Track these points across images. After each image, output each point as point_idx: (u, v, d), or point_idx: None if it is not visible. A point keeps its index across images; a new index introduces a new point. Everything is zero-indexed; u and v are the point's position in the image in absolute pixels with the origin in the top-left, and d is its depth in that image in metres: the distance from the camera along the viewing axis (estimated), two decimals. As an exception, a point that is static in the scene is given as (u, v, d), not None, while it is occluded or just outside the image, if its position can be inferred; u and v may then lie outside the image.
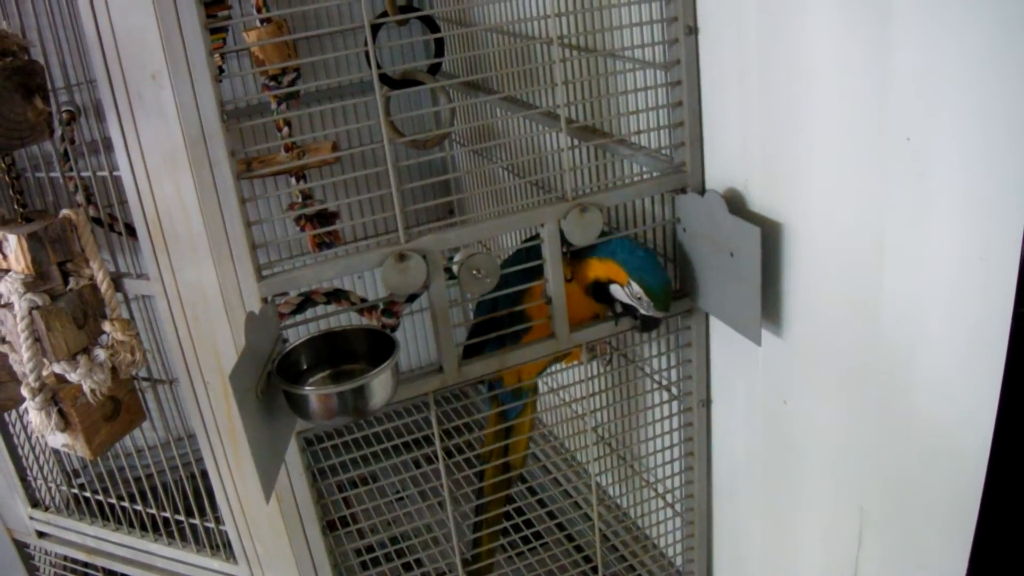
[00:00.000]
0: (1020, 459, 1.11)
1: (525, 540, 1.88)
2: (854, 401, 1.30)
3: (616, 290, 1.47)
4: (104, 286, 1.41)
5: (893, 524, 1.29)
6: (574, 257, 1.48)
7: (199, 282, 1.39)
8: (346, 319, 1.58)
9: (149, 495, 1.81)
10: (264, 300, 1.30)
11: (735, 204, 1.40)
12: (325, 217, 1.68)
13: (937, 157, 1.04)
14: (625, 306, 1.49)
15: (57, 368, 1.38)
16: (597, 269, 1.47)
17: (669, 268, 1.55)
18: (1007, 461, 1.08)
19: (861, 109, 1.14)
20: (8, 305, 1.35)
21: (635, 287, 1.44)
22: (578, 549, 2.04)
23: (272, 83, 1.60)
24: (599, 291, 1.49)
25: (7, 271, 1.36)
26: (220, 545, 1.78)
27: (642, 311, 1.47)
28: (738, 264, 1.38)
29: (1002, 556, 1.19)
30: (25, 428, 1.98)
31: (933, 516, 1.20)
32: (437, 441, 1.48)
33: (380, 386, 1.23)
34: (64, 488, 2.04)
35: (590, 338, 1.51)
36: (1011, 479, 1.11)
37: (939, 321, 1.11)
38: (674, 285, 1.55)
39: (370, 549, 1.79)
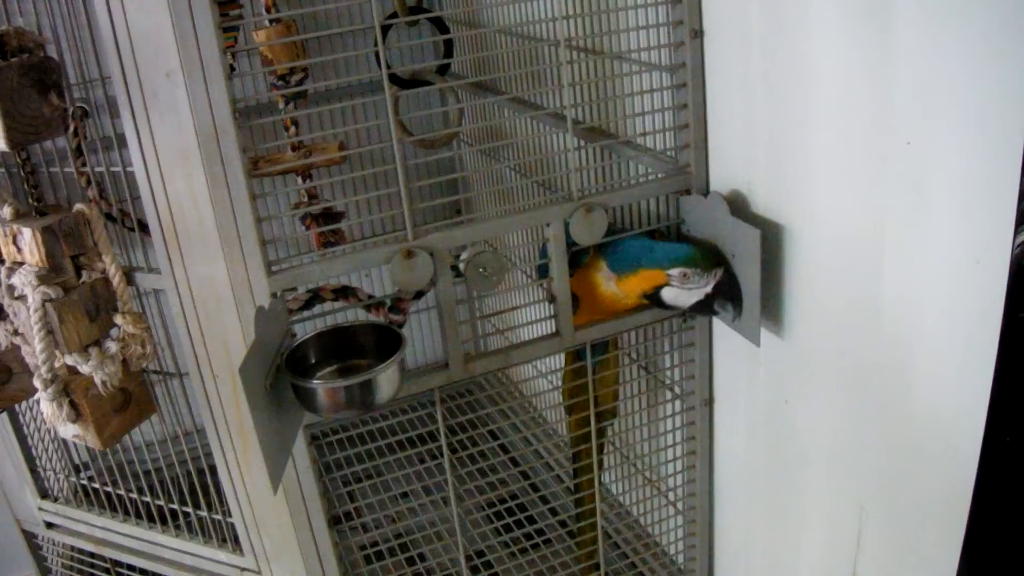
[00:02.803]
0: (1010, 457, 1.12)
1: (528, 536, 1.89)
2: (854, 400, 1.31)
3: (667, 293, 1.45)
4: (116, 280, 1.43)
5: (891, 522, 1.31)
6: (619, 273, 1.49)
7: (210, 277, 1.41)
8: (353, 317, 1.60)
9: (157, 487, 1.83)
10: (273, 295, 1.32)
11: (737, 206, 1.42)
12: (330, 216, 1.69)
13: (936, 161, 1.06)
14: (692, 306, 1.46)
15: (69, 360, 1.40)
16: (634, 285, 1.47)
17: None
18: (998, 459, 1.09)
19: (862, 113, 1.16)
20: (22, 297, 1.37)
21: (684, 271, 1.42)
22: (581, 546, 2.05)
23: (280, 83, 1.62)
24: (656, 301, 1.48)
25: (21, 264, 1.38)
26: (227, 537, 1.79)
27: (707, 289, 1.43)
28: (738, 266, 1.39)
29: (994, 554, 1.20)
30: (36, 420, 2.00)
31: (930, 515, 1.21)
32: (442, 437, 1.50)
33: (387, 381, 1.25)
34: (73, 479, 2.06)
35: (595, 336, 1.53)
36: (1002, 477, 1.12)
37: (937, 322, 1.12)
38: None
39: (375, 543, 1.81)
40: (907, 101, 1.08)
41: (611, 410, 1.77)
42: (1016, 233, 1.00)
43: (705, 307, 1.45)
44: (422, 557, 1.85)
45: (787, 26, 1.25)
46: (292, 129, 1.68)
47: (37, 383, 1.40)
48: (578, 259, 1.49)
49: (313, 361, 1.33)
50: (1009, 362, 1.05)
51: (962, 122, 1.02)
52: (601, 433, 1.75)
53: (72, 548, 2.15)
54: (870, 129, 1.15)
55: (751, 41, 1.33)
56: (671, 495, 1.80)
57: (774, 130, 1.33)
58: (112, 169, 1.55)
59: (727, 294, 1.42)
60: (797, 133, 1.29)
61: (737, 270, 1.39)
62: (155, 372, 1.69)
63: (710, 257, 1.42)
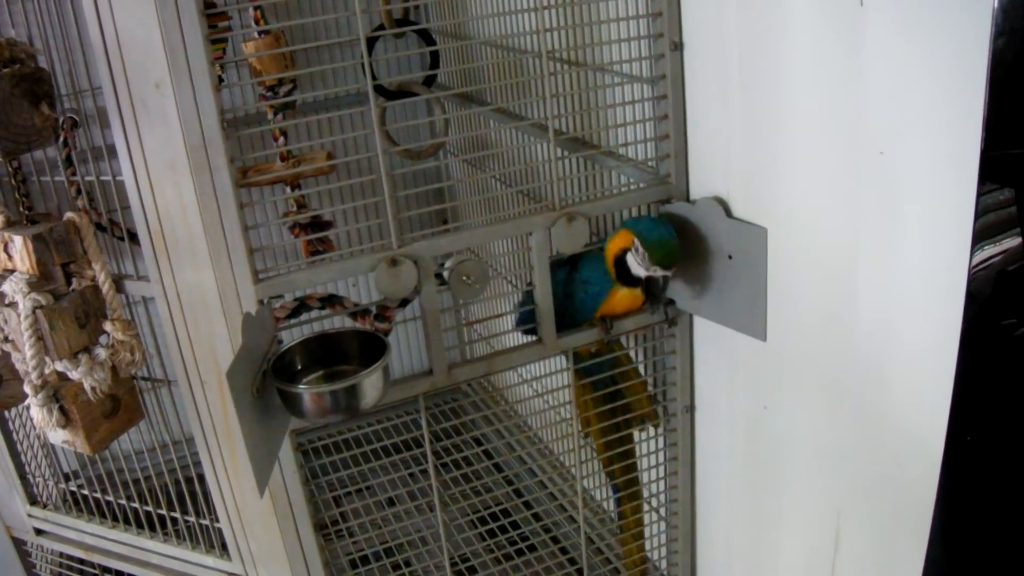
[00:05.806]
0: (971, 455, 1.15)
1: (512, 542, 1.91)
2: (830, 406, 1.33)
3: (630, 260, 1.46)
4: (106, 287, 1.45)
5: (867, 526, 1.33)
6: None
7: (198, 284, 1.42)
8: (340, 325, 1.62)
9: (147, 494, 1.84)
10: (261, 302, 1.33)
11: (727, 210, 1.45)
12: (318, 225, 1.71)
13: (907, 171, 1.08)
14: (640, 280, 1.48)
15: (59, 366, 1.42)
16: (613, 243, 1.48)
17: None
18: (960, 458, 1.12)
19: (837, 124, 1.18)
20: (12, 304, 1.39)
21: (637, 244, 1.44)
22: (564, 551, 2.07)
23: (269, 93, 1.63)
24: (622, 269, 1.48)
25: (12, 271, 1.40)
26: (215, 543, 1.80)
27: (645, 272, 1.45)
28: (737, 265, 1.42)
29: (960, 547, 1.23)
30: (25, 426, 2.01)
31: (904, 518, 1.23)
32: (427, 443, 1.52)
33: (371, 386, 1.27)
34: (62, 486, 2.06)
35: (578, 343, 1.55)
36: (964, 475, 1.15)
37: (909, 328, 1.14)
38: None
39: (360, 549, 1.82)
40: (880, 113, 1.10)
41: (651, 413, 1.74)
42: (995, 242, 1.02)
43: (648, 292, 1.50)
44: (407, 563, 1.86)
45: (764, 39, 1.27)
46: (281, 139, 1.70)
47: (27, 389, 1.42)
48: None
49: (299, 367, 1.35)
50: (977, 363, 1.07)
51: (931, 133, 1.04)
52: (630, 440, 1.75)
53: (61, 555, 2.15)
54: (844, 139, 1.17)
55: (730, 54, 1.35)
56: (653, 501, 1.82)
57: (752, 141, 1.35)
58: (102, 178, 1.57)
59: (653, 288, 1.47)
60: (774, 143, 1.31)
61: (736, 270, 1.42)
62: (144, 379, 1.70)
63: (663, 256, 1.44)
